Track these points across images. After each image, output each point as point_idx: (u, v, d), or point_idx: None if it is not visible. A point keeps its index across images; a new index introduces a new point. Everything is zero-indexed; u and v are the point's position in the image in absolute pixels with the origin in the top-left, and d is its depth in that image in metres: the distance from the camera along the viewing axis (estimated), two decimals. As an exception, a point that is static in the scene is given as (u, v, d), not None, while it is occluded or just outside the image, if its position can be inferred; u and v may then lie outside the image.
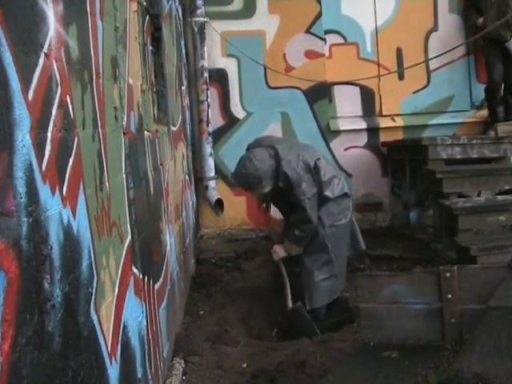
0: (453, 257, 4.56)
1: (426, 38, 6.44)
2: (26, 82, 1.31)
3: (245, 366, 3.20)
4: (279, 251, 3.97)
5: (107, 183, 1.97)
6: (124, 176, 2.25)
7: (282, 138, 4.29)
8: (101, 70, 2.01)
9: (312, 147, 4.20)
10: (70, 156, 1.60)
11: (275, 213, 4.41)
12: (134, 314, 2.24)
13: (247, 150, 4.07)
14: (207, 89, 5.98)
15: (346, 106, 6.34)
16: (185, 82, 5.51)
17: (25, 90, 1.30)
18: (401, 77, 6.39)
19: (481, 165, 5.35)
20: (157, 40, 3.73)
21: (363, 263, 4.84)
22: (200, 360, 3.20)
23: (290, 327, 3.79)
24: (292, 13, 6.09)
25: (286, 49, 6.15)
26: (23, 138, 1.27)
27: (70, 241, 1.54)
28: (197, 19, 5.90)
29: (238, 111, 6.15)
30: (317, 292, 3.84)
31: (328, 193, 3.84)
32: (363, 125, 6.30)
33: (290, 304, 3.83)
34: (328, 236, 3.83)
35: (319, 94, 6.16)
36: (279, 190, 3.83)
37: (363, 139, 6.31)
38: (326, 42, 6.25)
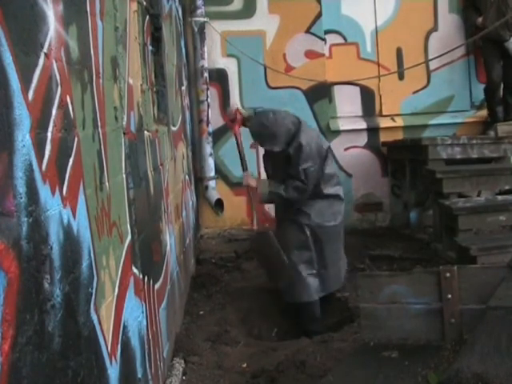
0: (453, 257, 4.56)
1: (426, 38, 6.44)
2: (26, 81, 1.31)
3: (245, 365, 3.20)
4: (251, 181, 4.03)
5: (107, 183, 1.97)
6: (124, 176, 2.25)
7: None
8: (101, 70, 2.01)
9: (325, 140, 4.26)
10: (70, 156, 1.60)
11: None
12: (134, 313, 2.24)
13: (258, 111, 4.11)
14: (207, 89, 5.98)
15: (346, 105, 6.34)
16: (185, 82, 5.51)
17: (25, 90, 1.30)
18: (401, 77, 6.39)
19: (481, 165, 5.35)
20: (157, 40, 3.73)
21: (363, 263, 4.84)
22: (200, 360, 3.20)
23: (256, 252, 3.84)
24: (292, 13, 6.09)
25: (286, 49, 6.15)
26: (23, 138, 1.27)
27: (70, 241, 1.54)
28: (197, 19, 5.90)
29: (237, 111, 6.15)
30: (302, 286, 3.84)
31: (323, 186, 3.85)
32: (363, 125, 6.31)
33: (256, 225, 3.91)
34: (314, 235, 3.84)
35: (319, 94, 6.16)
36: (281, 158, 3.82)
37: (363, 139, 6.31)
38: (325, 42, 6.25)
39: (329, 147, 3.99)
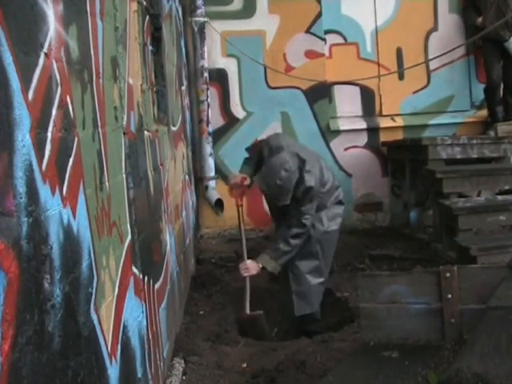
0: (453, 257, 4.56)
1: (426, 38, 6.45)
2: (26, 81, 1.31)
3: (245, 365, 3.20)
4: (251, 267, 3.79)
5: (107, 183, 1.97)
6: (124, 176, 2.25)
7: (300, 144, 4.21)
8: (101, 70, 2.01)
9: (318, 154, 4.19)
10: (70, 156, 1.60)
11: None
12: (134, 313, 2.24)
13: (261, 143, 3.97)
14: (207, 89, 5.98)
15: (346, 105, 6.34)
16: (185, 82, 5.51)
17: (25, 90, 1.30)
18: (401, 77, 6.39)
19: (481, 165, 5.35)
20: (157, 40, 3.73)
21: (363, 263, 4.84)
22: (200, 360, 3.20)
23: (245, 330, 3.73)
24: (292, 13, 6.09)
25: (286, 49, 6.15)
26: (23, 138, 1.27)
27: (70, 241, 1.54)
28: (197, 19, 5.91)
29: (238, 111, 6.16)
30: (313, 296, 3.84)
31: (325, 201, 3.84)
32: (363, 125, 6.31)
33: (247, 309, 3.78)
34: (320, 242, 3.83)
35: (319, 94, 6.17)
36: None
37: (363, 139, 6.31)
38: (325, 42, 6.25)
39: (324, 161, 3.95)
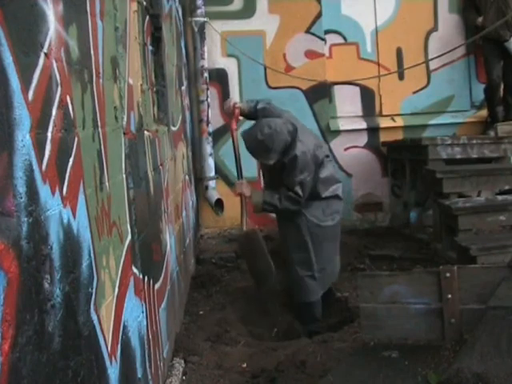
0: (453, 257, 4.56)
1: (426, 38, 6.45)
2: (26, 82, 1.31)
3: (245, 366, 3.20)
4: (246, 188, 3.91)
5: (107, 183, 1.97)
6: (124, 176, 2.25)
7: (298, 121, 4.22)
8: (101, 70, 2.01)
9: (324, 142, 4.23)
10: (70, 156, 1.60)
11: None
12: (134, 313, 2.24)
13: (259, 109, 3.96)
14: (207, 89, 5.98)
15: (346, 105, 6.34)
16: (185, 82, 5.51)
17: (25, 90, 1.30)
18: (401, 77, 6.39)
19: (481, 165, 5.35)
20: (157, 40, 3.73)
21: (363, 263, 4.84)
22: (200, 360, 3.20)
23: (244, 251, 3.87)
24: (292, 13, 6.09)
25: (286, 49, 6.16)
26: (23, 138, 1.27)
27: (70, 241, 1.54)
28: (197, 19, 5.91)
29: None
30: (302, 287, 3.85)
31: (320, 190, 3.82)
32: (363, 125, 6.31)
33: (244, 227, 3.91)
34: (311, 235, 3.82)
35: (319, 94, 6.17)
36: (277, 167, 3.77)
37: (363, 139, 6.31)
38: (325, 42, 6.26)
39: (326, 155, 3.93)
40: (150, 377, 2.45)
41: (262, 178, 4.35)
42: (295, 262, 3.85)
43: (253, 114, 3.99)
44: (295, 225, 3.83)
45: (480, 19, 5.93)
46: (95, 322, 1.70)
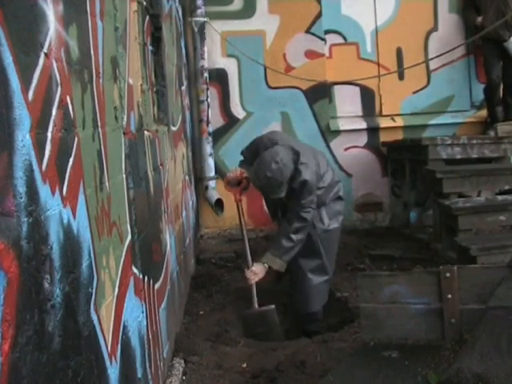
0: (453, 257, 4.56)
1: (426, 38, 6.45)
2: (26, 82, 1.31)
3: (245, 366, 3.20)
4: (259, 271, 3.69)
5: (107, 183, 1.97)
6: (124, 176, 2.25)
7: (296, 140, 4.13)
8: (101, 70, 2.01)
9: (321, 152, 4.19)
10: (70, 156, 1.60)
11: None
12: (134, 314, 2.24)
13: (249, 151, 3.91)
14: (207, 89, 5.98)
15: (346, 105, 6.34)
16: (185, 82, 5.51)
17: (25, 90, 1.30)
18: (401, 77, 6.39)
19: (481, 165, 5.35)
20: (157, 40, 3.73)
21: (363, 263, 4.84)
22: (200, 360, 3.20)
23: (255, 327, 3.69)
24: (292, 13, 6.09)
25: (286, 49, 6.16)
26: (23, 138, 1.27)
27: (70, 241, 1.54)
28: (197, 19, 5.91)
29: (238, 111, 6.16)
30: (315, 295, 3.83)
31: (324, 197, 3.83)
32: (363, 125, 6.31)
33: (256, 304, 3.72)
34: (321, 241, 3.82)
35: (319, 94, 6.17)
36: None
37: (363, 139, 6.31)
38: (325, 42, 6.25)
39: (323, 156, 3.97)
40: (149, 377, 2.45)
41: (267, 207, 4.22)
42: (308, 269, 3.81)
43: (250, 160, 3.80)
44: None
45: (479, 19, 5.93)
46: (95, 321, 1.70)
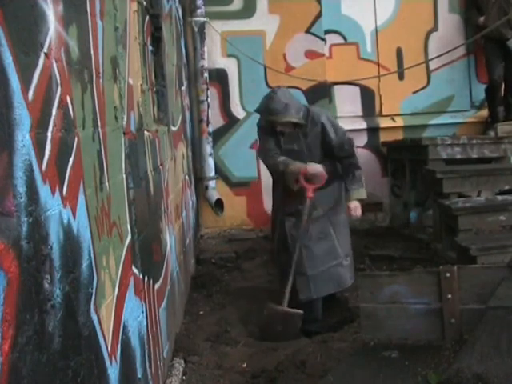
0: (453, 257, 4.56)
1: (426, 38, 6.45)
2: (26, 82, 1.31)
3: (245, 366, 3.20)
4: (358, 207, 3.73)
5: (107, 183, 1.97)
6: (124, 176, 2.25)
7: None
8: (101, 70, 2.01)
9: None
10: (70, 156, 1.60)
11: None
12: (134, 313, 2.24)
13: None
14: (207, 89, 5.98)
15: (346, 105, 6.34)
16: (185, 82, 5.51)
17: (25, 90, 1.30)
18: (401, 77, 6.39)
19: (481, 165, 5.35)
20: (157, 40, 3.73)
21: (363, 263, 4.84)
22: (200, 360, 3.21)
23: (276, 325, 3.61)
24: (292, 13, 6.09)
25: (286, 49, 6.16)
26: (23, 138, 1.27)
27: (70, 241, 1.54)
28: (197, 19, 5.91)
29: (238, 111, 6.16)
30: (325, 280, 3.74)
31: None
32: (363, 125, 6.31)
33: (286, 304, 3.63)
34: (332, 224, 3.78)
35: (319, 94, 6.16)
36: (310, 145, 3.73)
37: (363, 139, 6.31)
38: (325, 42, 6.25)
39: None
40: (149, 377, 2.45)
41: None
42: (320, 253, 3.74)
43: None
44: (313, 217, 3.75)
45: (482, 19, 5.92)
46: (95, 321, 1.70)
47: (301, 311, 3.64)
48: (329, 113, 3.86)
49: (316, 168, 3.70)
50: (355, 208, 3.76)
